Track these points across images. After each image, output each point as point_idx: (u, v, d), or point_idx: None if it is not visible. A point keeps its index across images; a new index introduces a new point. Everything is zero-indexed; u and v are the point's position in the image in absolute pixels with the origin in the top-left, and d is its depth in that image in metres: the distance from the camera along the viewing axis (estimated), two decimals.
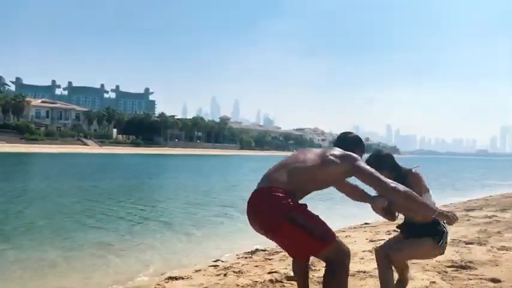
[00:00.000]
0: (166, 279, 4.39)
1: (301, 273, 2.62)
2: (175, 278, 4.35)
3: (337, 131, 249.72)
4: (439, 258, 4.40)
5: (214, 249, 6.34)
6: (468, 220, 7.55)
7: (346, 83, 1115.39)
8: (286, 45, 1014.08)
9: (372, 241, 5.82)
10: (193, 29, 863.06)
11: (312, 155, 2.45)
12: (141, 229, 7.76)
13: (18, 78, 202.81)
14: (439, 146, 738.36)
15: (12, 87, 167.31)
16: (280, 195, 2.24)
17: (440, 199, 13.20)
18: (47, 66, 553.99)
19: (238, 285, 3.82)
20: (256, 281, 3.90)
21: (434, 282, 3.49)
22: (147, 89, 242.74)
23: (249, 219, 2.41)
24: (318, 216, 2.31)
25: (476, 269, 3.87)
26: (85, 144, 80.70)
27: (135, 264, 5.41)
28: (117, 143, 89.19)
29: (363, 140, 2.86)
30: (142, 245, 6.51)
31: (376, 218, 8.78)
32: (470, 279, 3.54)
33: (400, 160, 3.02)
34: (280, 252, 5.43)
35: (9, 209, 9.64)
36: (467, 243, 5.15)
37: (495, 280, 3.47)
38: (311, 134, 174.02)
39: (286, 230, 2.22)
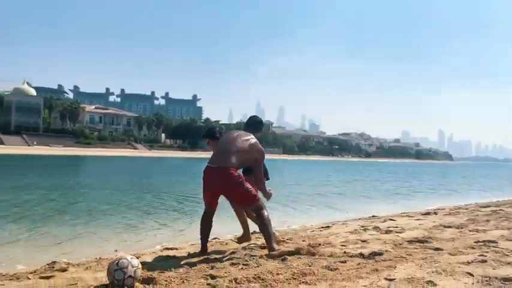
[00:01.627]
0: (163, 249, 5.09)
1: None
2: (171, 249, 5.04)
3: (385, 136, 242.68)
4: (404, 235, 4.81)
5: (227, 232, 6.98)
6: (472, 212, 7.68)
7: (395, 86, 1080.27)
8: (332, 48, 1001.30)
9: (362, 226, 6.19)
10: (240, 35, 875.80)
11: (243, 143, 3.90)
12: (166, 214, 8.58)
13: (75, 87, 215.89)
14: (497, 152, 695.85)
15: (71, 95, 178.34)
16: (235, 172, 3.80)
17: (475, 199, 13.12)
18: (101, 75, 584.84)
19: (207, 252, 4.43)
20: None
21: (381, 249, 3.90)
22: (195, 96, 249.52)
23: (208, 185, 3.88)
24: (251, 184, 3.91)
25: (430, 242, 4.23)
26: (135, 148, 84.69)
27: (148, 239, 6.20)
28: (165, 146, 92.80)
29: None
30: (161, 227, 7.32)
31: (385, 213, 9.09)
32: (416, 248, 3.93)
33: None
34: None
35: (59, 197, 10.91)
36: (446, 226, 5.45)
37: (438, 249, 3.84)
38: (357, 138, 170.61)
39: (240, 192, 3.82)
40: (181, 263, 3.79)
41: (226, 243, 5.13)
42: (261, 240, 5.16)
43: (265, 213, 3.82)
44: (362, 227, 6.15)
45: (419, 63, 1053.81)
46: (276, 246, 3.79)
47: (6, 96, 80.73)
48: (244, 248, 4.43)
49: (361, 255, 3.68)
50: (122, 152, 72.01)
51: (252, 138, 3.99)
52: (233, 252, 4.13)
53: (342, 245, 4.32)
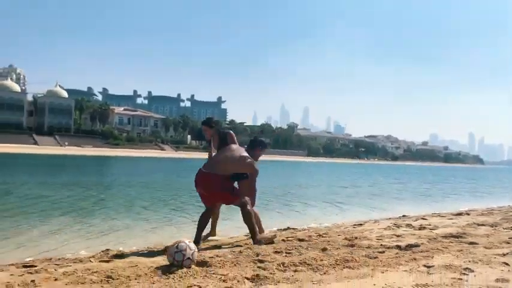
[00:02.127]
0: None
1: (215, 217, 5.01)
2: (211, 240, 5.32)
3: (413, 138, 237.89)
4: (438, 231, 4.95)
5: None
6: (506, 213, 7.67)
7: (422, 87, 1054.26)
8: (358, 49, 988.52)
9: (395, 224, 6.33)
10: (264, 37, 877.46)
11: (239, 158, 4.44)
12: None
13: (104, 89, 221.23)
14: None
15: (100, 97, 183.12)
16: (219, 179, 4.34)
17: (507, 202, 12.94)
18: (129, 77, 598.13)
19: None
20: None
21: (417, 242, 4.08)
22: (219, 98, 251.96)
23: (198, 186, 4.47)
24: (234, 186, 4.50)
25: (465, 238, 4.37)
26: (162, 149, 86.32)
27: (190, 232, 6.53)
28: (191, 148, 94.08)
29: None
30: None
31: (416, 213, 9.15)
32: (452, 242, 4.08)
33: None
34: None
35: (89, 193, 11.49)
36: (479, 224, 5.53)
37: (473, 243, 3.99)
38: (384, 141, 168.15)
39: (222, 195, 4.46)
40: (225, 251, 4.08)
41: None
42: (299, 233, 5.41)
43: (248, 209, 4.41)
44: (394, 224, 6.29)
45: (449, 64, 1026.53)
46: (258, 236, 4.43)
47: (40, 98, 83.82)
48: (283, 241, 4.68)
49: (398, 247, 3.87)
50: (150, 152, 73.52)
51: (247, 157, 4.55)
52: (273, 243, 4.38)
53: (378, 239, 4.50)
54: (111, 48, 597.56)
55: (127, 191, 12.95)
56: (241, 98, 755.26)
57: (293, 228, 6.52)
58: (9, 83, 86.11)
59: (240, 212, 4.46)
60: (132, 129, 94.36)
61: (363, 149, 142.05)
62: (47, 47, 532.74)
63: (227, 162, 4.43)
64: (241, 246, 4.49)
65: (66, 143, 73.26)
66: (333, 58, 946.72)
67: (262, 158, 5.39)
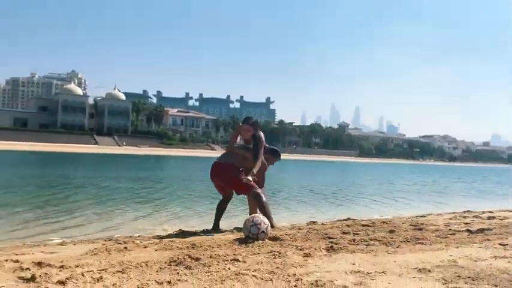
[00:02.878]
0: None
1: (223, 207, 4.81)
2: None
3: (471, 138, 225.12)
4: (509, 220, 4.81)
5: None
6: None
7: (481, 86, 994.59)
8: (412, 48, 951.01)
9: (460, 216, 6.19)
10: (314, 36, 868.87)
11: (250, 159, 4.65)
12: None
13: (158, 92, 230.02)
14: None
15: (154, 100, 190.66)
16: (232, 167, 4.49)
17: None
18: (181, 80, 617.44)
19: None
20: None
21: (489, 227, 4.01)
22: (268, 98, 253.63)
23: (212, 175, 4.61)
24: (248, 177, 4.46)
25: None
26: (212, 149, 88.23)
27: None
28: None
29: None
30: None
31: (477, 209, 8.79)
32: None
33: None
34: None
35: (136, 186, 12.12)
36: None
37: None
38: (440, 141, 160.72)
39: (235, 181, 4.45)
40: (293, 231, 4.23)
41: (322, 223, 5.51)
42: (362, 222, 5.46)
43: (263, 199, 4.44)
44: (460, 215, 6.16)
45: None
46: (275, 223, 4.46)
47: (100, 101, 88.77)
48: (348, 226, 4.76)
49: (469, 231, 3.84)
50: (201, 152, 75.42)
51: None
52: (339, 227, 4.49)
53: (445, 225, 4.47)
54: (165, 54, 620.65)
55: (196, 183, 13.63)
56: (290, 98, 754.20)
57: (353, 219, 6.56)
58: (73, 86, 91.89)
59: (256, 200, 4.47)
60: (185, 130, 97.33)
61: (417, 150, 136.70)
62: (104, 51, 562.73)
63: (240, 159, 4.64)
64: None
65: (124, 143, 77.01)
66: (385, 57, 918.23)
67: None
